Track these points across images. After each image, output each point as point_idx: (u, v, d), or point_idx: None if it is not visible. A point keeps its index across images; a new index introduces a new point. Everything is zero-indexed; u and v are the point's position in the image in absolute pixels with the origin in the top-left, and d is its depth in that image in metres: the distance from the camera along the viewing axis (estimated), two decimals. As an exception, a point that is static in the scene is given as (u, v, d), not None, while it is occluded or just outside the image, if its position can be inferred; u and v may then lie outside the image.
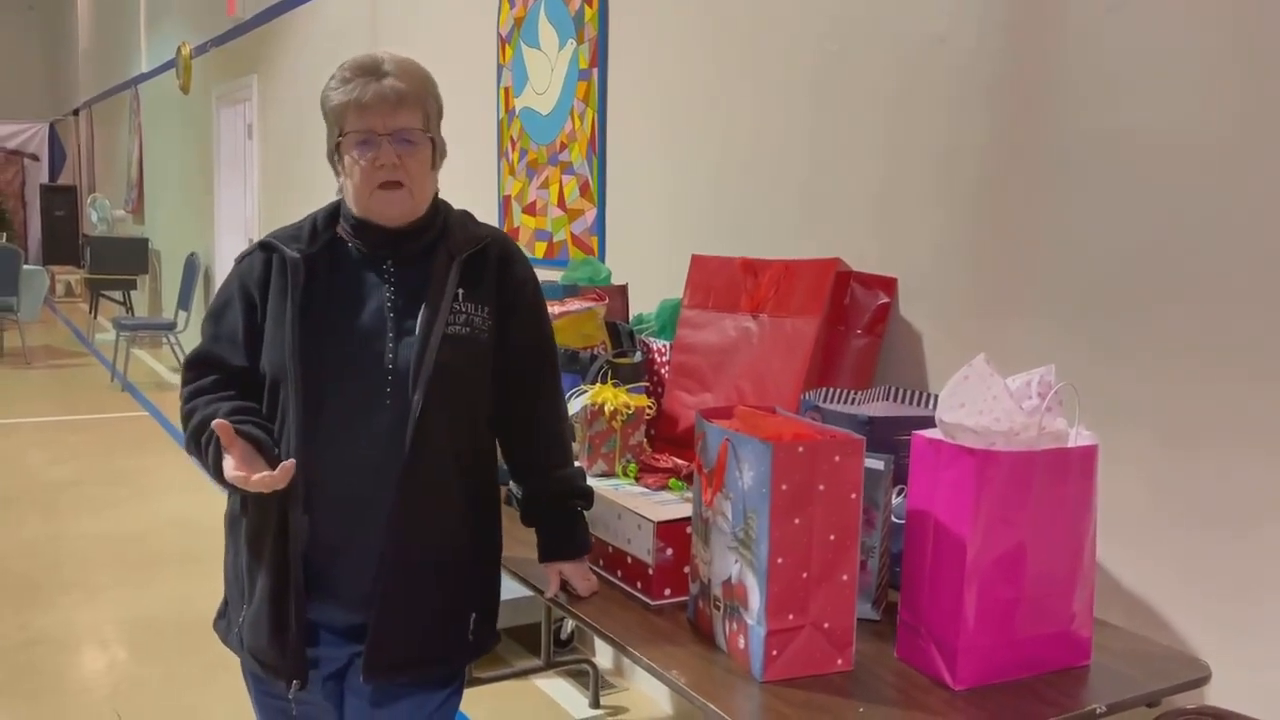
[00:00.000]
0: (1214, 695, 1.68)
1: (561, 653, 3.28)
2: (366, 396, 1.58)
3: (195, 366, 1.64)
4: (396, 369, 1.59)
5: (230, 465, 1.50)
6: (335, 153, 1.62)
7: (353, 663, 1.64)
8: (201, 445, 1.57)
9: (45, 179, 16.28)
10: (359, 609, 1.61)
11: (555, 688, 3.18)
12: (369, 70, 1.58)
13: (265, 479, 1.48)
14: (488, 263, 1.67)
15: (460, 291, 1.63)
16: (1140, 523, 1.79)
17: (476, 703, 3.03)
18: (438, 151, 1.64)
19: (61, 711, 3.02)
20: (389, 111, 1.56)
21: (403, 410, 1.57)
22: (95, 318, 11.18)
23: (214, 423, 1.50)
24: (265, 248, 1.64)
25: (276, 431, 1.59)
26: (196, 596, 3.86)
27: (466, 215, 1.73)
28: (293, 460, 1.50)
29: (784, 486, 1.43)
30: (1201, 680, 1.56)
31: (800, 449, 1.43)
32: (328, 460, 1.57)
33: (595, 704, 3.07)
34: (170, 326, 8.40)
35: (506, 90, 3.82)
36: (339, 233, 1.66)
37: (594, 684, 3.09)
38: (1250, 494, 1.65)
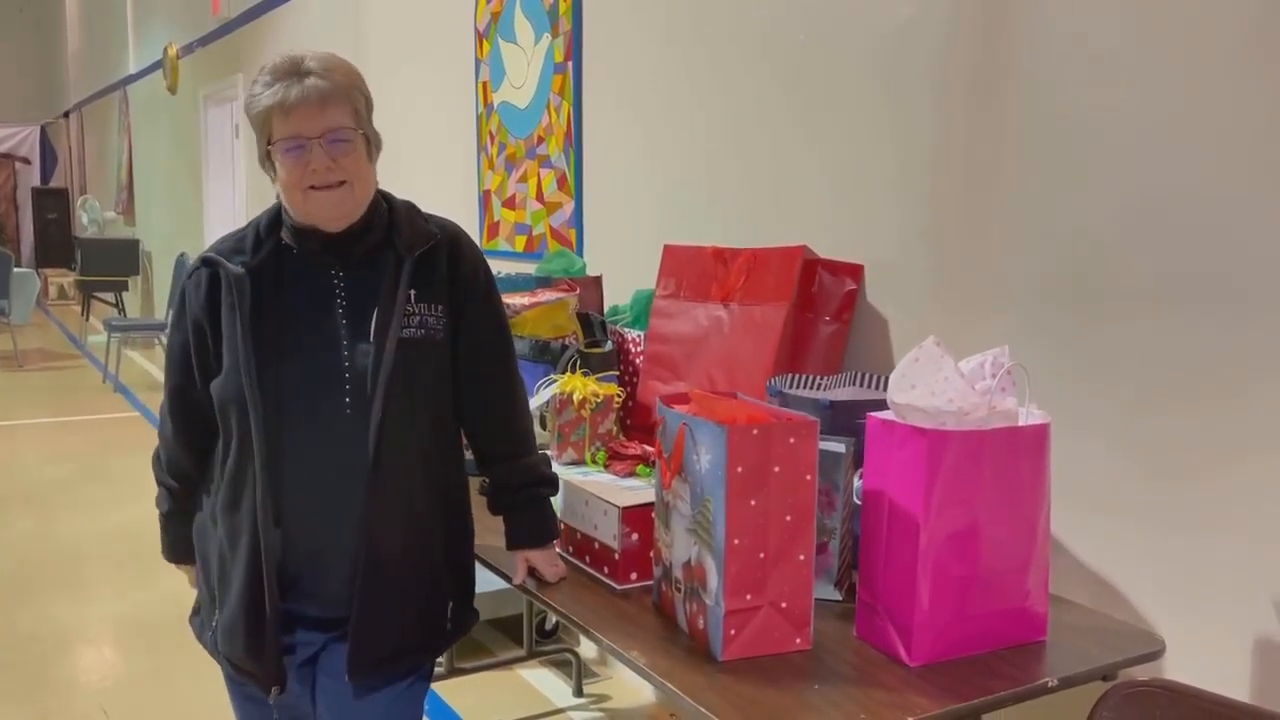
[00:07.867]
0: (1170, 668, 1.70)
1: (544, 642, 3.31)
2: (327, 407, 1.58)
3: (167, 398, 1.71)
4: (354, 377, 1.58)
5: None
6: (266, 160, 1.58)
7: (326, 646, 1.66)
8: (160, 519, 1.89)
9: (37, 182, 16.26)
10: (334, 606, 1.63)
11: (538, 677, 3.21)
12: (290, 72, 1.53)
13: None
14: (437, 260, 1.65)
15: (412, 293, 1.62)
16: (1101, 500, 1.82)
17: (460, 693, 3.05)
18: (373, 145, 1.62)
19: (49, 709, 3.04)
20: (315, 113, 1.52)
21: (364, 417, 1.58)
22: (87, 319, 11.20)
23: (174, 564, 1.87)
24: (208, 264, 1.61)
25: (221, 450, 1.62)
26: (185, 595, 3.79)
27: (412, 208, 1.70)
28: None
29: (739, 469, 1.45)
30: (1157, 654, 1.58)
31: (755, 431, 1.45)
32: (295, 474, 1.58)
33: (578, 693, 3.09)
34: (162, 327, 8.36)
35: (485, 85, 3.83)
36: (283, 238, 1.63)
37: (577, 673, 3.11)
38: (1201, 456, 1.67)
